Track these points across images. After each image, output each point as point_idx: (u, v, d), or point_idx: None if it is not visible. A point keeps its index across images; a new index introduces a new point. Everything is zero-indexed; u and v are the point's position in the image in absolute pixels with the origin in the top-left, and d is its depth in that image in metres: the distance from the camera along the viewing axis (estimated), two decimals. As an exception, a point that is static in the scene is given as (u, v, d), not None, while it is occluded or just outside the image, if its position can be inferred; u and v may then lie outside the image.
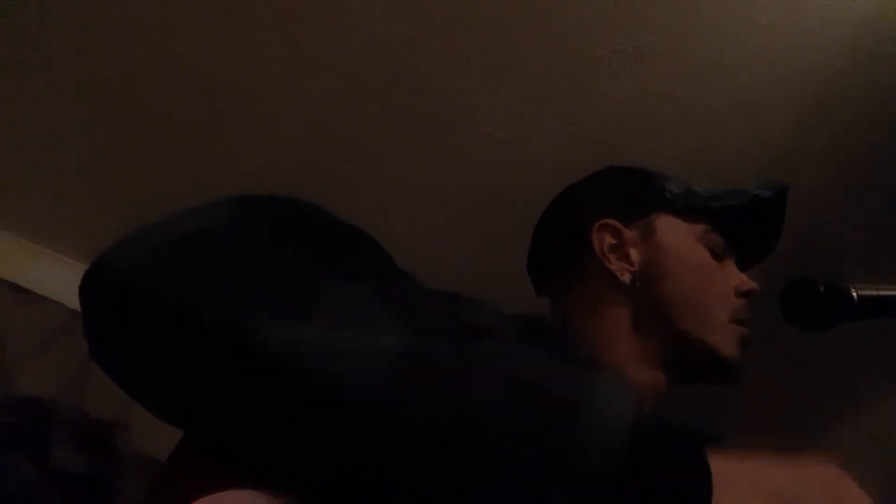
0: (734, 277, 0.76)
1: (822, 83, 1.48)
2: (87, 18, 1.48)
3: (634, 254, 0.75)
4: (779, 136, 1.57)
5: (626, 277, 0.74)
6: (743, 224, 0.78)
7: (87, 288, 0.48)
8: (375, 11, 1.43)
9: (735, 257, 0.79)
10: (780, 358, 1.80)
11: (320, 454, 0.42)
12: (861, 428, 2.01)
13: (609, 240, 0.76)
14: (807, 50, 1.43)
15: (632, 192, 0.80)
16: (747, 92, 1.50)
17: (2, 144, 1.74)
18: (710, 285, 0.74)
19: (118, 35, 1.51)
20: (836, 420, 2.03)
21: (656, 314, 0.72)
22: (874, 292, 0.67)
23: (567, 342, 0.63)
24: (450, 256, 1.83)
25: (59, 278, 1.92)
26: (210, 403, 0.45)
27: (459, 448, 0.38)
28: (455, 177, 1.71)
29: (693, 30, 1.41)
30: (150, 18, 1.47)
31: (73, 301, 1.86)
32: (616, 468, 0.36)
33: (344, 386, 0.40)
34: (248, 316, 0.42)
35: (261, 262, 0.47)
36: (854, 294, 0.66)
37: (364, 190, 1.74)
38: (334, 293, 0.46)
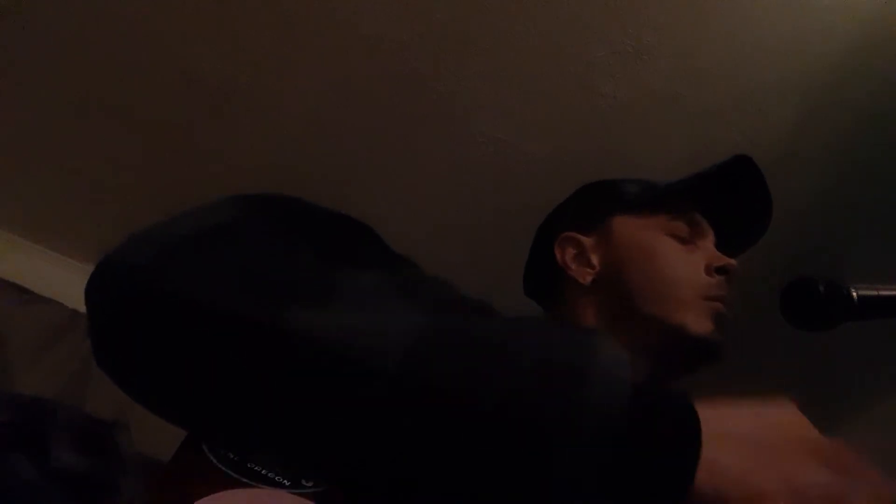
0: (706, 257, 0.77)
1: (822, 83, 1.48)
2: (87, 19, 1.48)
3: (595, 258, 0.80)
4: (779, 136, 1.57)
5: (588, 279, 0.78)
6: (709, 203, 0.81)
7: (94, 289, 0.48)
8: (374, 12, 1.43)
9: (712, 237, 0.81)
10: (780, 358, 1.80)
11: (355, 438, 0.42)
12: (862, 427, 2.01)
13: (570, 251, 0.82)
14: (807, 50, 1.43)
15: (590, 203, 0.86)
16: (747, 92, 1.50)
17: (2, 144, 1.74)
18: (672, 268, 0.76)
19: (119, 38, 1.51)
20: (836, 420, 2.03)
21: (624, 306, 0.75)
22: (874, 292, 0.67)
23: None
24: (449, 256, 1.83)
25: (59, 278, 1.92)
26: (233, 398, 0.45)
27: (477, 412, 0.40)
28: (454, 176, 1.71)
29: (693, 30, 1.41)
30: (150, 19, 1.47)
31: (73, 301, 1.87)
32: (618, 424, 0.39)
33: (380, 361, 0.41)
34: (276, 306, 0.42)
35: (271, 255, 0.48)
36: (854, 294, 0.66)
37: (363, 189, 1.74)
38: (349, 281, 0.46)
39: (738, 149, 1.57)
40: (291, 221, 0.54)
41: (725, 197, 0.83)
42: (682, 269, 0.76)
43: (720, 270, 0.76)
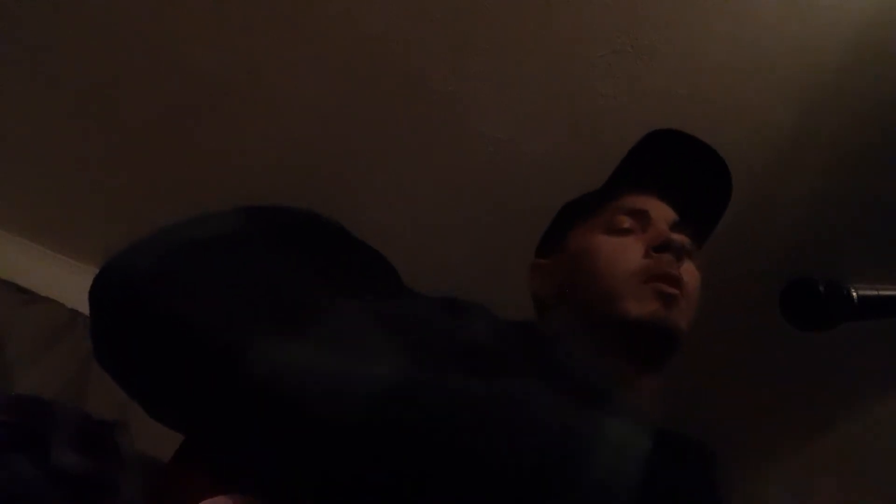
0: (647, 239, 0.75)
1: (822, 83, 1.48)
2: (87, 19, 1.48)
3: (555, 275, 0.81)
4: (779, 136, 1.57)
5: (547, 293, 0.80)
6: (646, 185, 0.80)
7: (97, 291, 0.49)
8: (374, 12, 1.43)
9: (668, 220, 0.77)
10: (780, 358, 1.80)
11: (309, 472, 0.42)
12: (861, 428, 2.00)
13: (538, 277, 0.83)
14: (807, 50, 1.43)
15: (554, 223, 0.87)
16: (747, 92, 1.50)
17: (2, 145, 1.74)
18: (606, 262, 0.74)
19: (118, 36, 1.51)
20: (836, 420, 2.03)
21: (585, 312, 0.74)
22: (874, 292, 0.67)
23: (562, 355, 0.64)
24: (448, 256, 1.83)
25: (59, 278, 1.92)
26: (204, 414, 0.45)
27: (440, 482, 0.38)
28: (454, 177, 1.71)
29: (693, 30, 1.41)
30: (151, 20, 1.48)
31: (73, 301, 1.87)
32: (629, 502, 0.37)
33: (331, 412, 0.40)
34: (244, 335, 0.43)
35: (265, 274, 0.48)
36: (854, 294, 0.66)
37: (363, 190, 1.74)
38: (334, 310, 0.46)
39: (739, 149, 1.58)
40: (296, 238, 0.53)
41: (665, 172, 0.80)
42: (616, 259, 0.74)
43: (659, 248, 0.73)
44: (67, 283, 1.90)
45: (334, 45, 1.49)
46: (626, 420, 0.41)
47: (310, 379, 0.41)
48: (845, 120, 1.52)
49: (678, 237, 0.73)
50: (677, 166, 0.81)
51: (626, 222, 0.77)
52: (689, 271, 0.74)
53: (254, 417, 0.42)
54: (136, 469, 1.13)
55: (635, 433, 0.39)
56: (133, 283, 0.46)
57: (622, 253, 0.74)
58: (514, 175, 1.67)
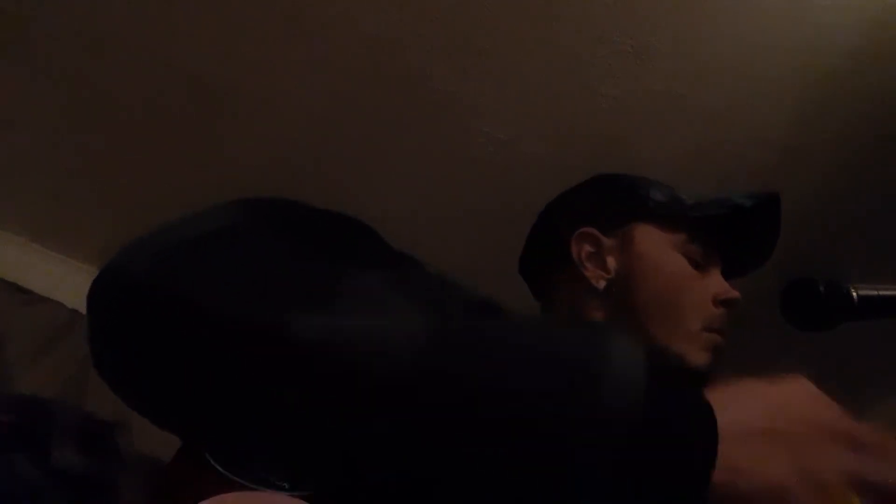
0: (715, 286, 0.76)
1: (822, 83, 1.47)
2: (87, 19, 1.48)
3: (611, 262, 0.78)
4: (779, 136, 1.57)
5: (601, 284, 0.76)
6: (728, 233, 0.79)
7: (96, 295, 0.48)
8: (374, 12, 1.43)
9: (721, 265, 0.80)
10: (780, 358, 1.80)
11: (367, 444, 0.42)
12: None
13: (587, 248, 0.79)
14: (807, 50, 1.43)
15: (613, 202, 0.83)
16: (747, 92, 1.50)
17: (2, 145, 1.74)
18: (684, 294, 0.75)
19: (118, 36, 1.51)
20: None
21: (629, 320, 0.74)
22: (874, 292, 0.67)
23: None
24: (448, 256, 1.82)
25: (59, 278, 1.92)
26: (234, 405, 0.44)
27: (492, 418, 0.40)
28: (454, 176, 1.71)
29: (693, 30, 1.41)
30: (151, 20, 1.47)
31: (73, 301, 1.87)
32: (634, 425, 0.39)
33: (386, 370, 0.41)
34: (279, 311, 0.42)
35: (274, 259, 0.47)
36: (854, 294, 0.66)
37: (363, 189, 1.74)
38: (352, 282, 0.46)
39: (738, 148, 1.58)
40: (292, 224, 0.53)
41: (744, 228, 0.81)
42: (696, 296, 0.75)
43: (727, 303, 0.75)
44: (67, 283, 1.90)
45: (334, 45, 1.49)
46: (628, 340, 0.43)
47: (357, 340, 0.41)
48: (845, 120, 1.52)
49: (738, 295, 0.76)
50: (755, 234, 0.82)
51: (700, 255, 0.77)
52: None
53: (308, 387, 0.41)
54: (136, 469, 1.13)
55: (638, 349, 0.42)
56: (133, 285, 0.45)
57: (698, 292, 0.75)
58: (513, 174, 1.67)
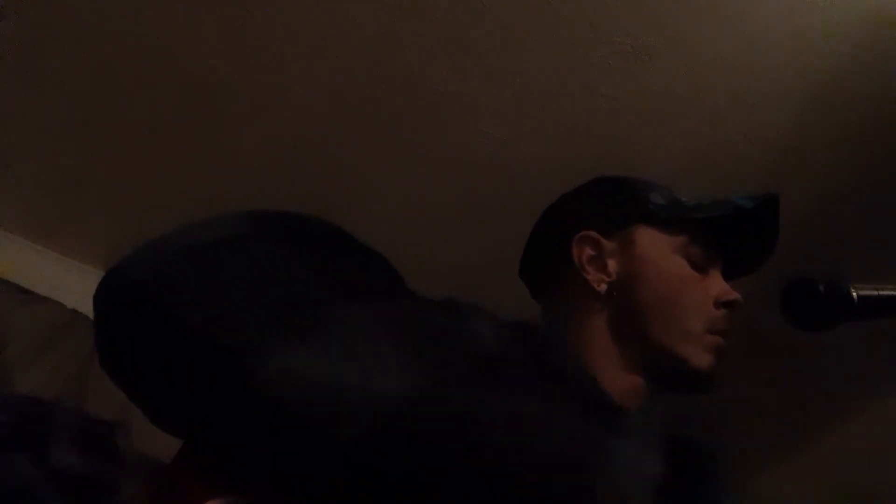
0: (716, 288, 0.77)
1: (822, 83, 1.47)
2: (87, 19, 1.48)
3: (612, 265, 0.78)
4: (779, 136, 1.57)
5: (602, 287, 0.76)
6: (728, 234, 0.79)
7: (102, 297, 0.49)
8: (374, 12, 1.43)
9: (722, 267, 0.80)
10: (780, 358, 1.80)
11: (310, 479, 0.42)
12: (861, 428, 2.00)
13: (588, 251, 0.79)
14: (807, 50, 1.43)
15: (614, 204, 0.83)
16: (747, 92, 1.50)
17: (2, 145, 1.74)
18: (686, 296, 0.75)
19: (118, 36, 1.51)
20: (835, 420, 2.03)
21: (632, 323, 0.74)
22: (874, 292, 0.67)
23: (562, 357, 0.65)
24: (448, 256, 1.83)
25: (59, 278, 1.92)
26: (206, 418, 0.45)
27: (455, 497, 0.38)
28: (454, 176, 1.71)
29: (693, 30, 1.41)
30: (151, 20, 1.47)
31: (73, 301, 1.87)
32: None
33: (334, 424, 0.40)
34: (249, 339, 0.42)
35: (271, 279, 0.47)
36: (854, 294, 0.66)
37: (363, 190, 1.74)
38: (342, 316, 0.46)
39: (738, 148, 1.58)
40: (300, 243, 0.53)
41: (744, 230, 0.81)
42: (697, 298, 0.75)
43: (728, 305, 0.76)
44: (67, 283, 1.90)
45: (334, 45, 1.49)
46: (637, 441, 0.41)
47: (314, 388, 0.41)
48: (845, 120, 1.52)
49: (738, 297, 0.76)
50: (755, 235, 0.83)
51: (701, 258, 0.78)
52: None
53: (255, 423, 0.42)
54: (136, 469, 1.13)
55: (646, 454, 0.40)
56: (137, 289, 0.46)
57: (700, 294, 0.76)
58: (513, 175, 1.67)
